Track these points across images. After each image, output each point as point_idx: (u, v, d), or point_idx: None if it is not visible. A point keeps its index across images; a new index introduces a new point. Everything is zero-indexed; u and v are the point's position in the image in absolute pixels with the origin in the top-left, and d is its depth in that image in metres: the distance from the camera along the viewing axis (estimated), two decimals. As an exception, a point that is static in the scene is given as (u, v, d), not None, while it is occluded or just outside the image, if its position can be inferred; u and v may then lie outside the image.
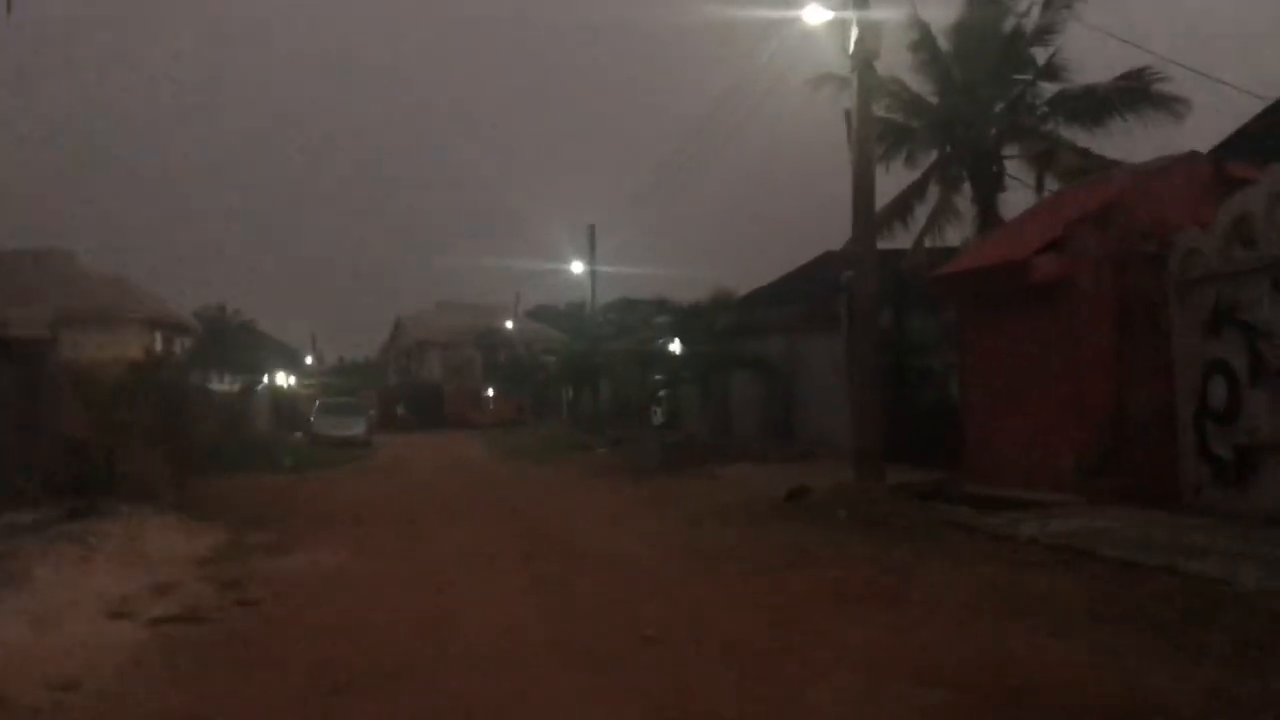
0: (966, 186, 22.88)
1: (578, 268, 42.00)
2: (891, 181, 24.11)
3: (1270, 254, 9.62)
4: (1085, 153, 21.06)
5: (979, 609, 7.35)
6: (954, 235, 23.68)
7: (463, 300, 68.66)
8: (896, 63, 23.28)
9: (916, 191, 24.00)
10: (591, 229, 40.15)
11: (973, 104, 22.39)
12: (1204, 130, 20.82)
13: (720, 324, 21.39)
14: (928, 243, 23.12)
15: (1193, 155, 12.32)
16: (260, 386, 45.43)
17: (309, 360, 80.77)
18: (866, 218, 14.45)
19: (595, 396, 40.70)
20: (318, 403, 42.96)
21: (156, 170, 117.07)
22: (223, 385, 41.07)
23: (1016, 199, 22.63)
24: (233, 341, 65.06)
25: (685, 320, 21.87)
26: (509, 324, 62.75)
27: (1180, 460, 11.02)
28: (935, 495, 13.11)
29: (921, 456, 15.05)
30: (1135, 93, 20.26)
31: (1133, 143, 20.99)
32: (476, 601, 8.50)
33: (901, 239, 24.26)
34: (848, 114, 22.91)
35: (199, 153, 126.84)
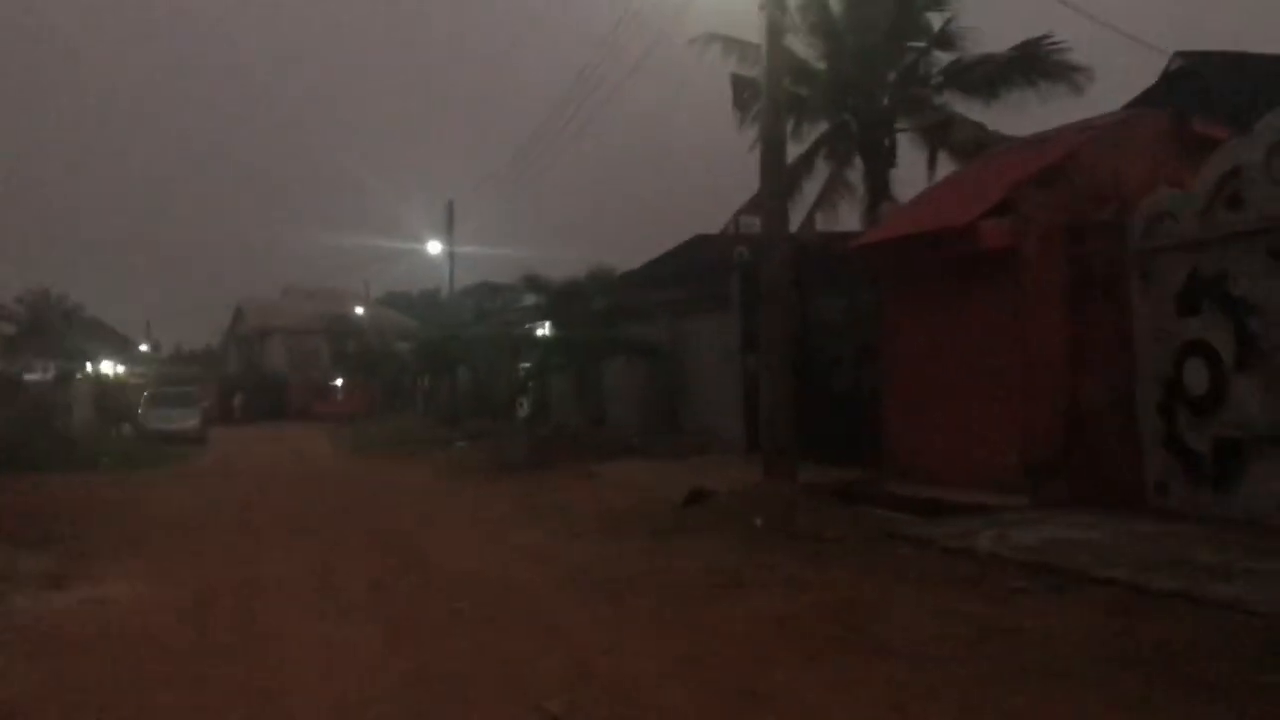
0: (858, 161, 21.64)
1: (435, 248, 39.30)
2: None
3: (1268, 214, 8.19)
4: (980, 127, 19.99)
5: (987, 665, 5.57)
6: (847, 213, 22.48)
7: (310, 286, 64.81)
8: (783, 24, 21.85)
9: (804, 166, 22.55)
10: (449, 205, 37.58)
11: (865, 72, 21.04)
12: (1104, 104, 19.89)
13: (598, 305, 19.39)
14: (820, 223, 21.78)
15: (1151, 109, 10.95)
16: (80, 375, 41.12)
17: (144, 348, 75.46)
18: (775, 183, 12.71)
19: (453, 387, 38.17)
20: (145, 393, 39.09)
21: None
22: (37, 375, 36.97)
23: (908, 176, 21.52)
24: (57, 327, 60.13)
25: (559, 300, 19.79)
26: (359, 310, 59.30)
27: (1144, 455, 9.59)
28: (856, 497, 11.44)
29: (832, 452, 13.42)
30: (1034, 62, 19.22)
31: (1028, 117, 20.08)
32: (313, 668, 6.25)
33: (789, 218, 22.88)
34: (735, 78, 21.47)
35: (32, 132, 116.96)
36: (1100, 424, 10.02)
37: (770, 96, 12.46)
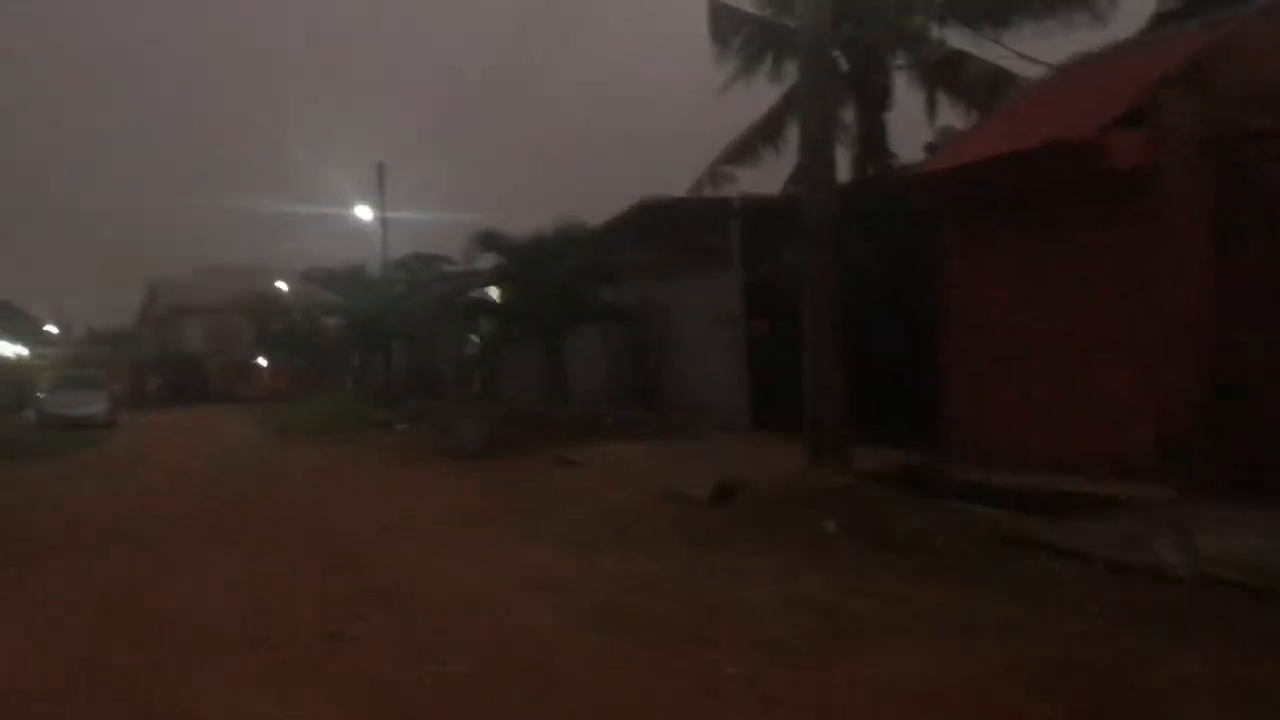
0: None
1: (365, 213, 36.20)
2: (749, 102, 20.31)
3: None
4: (993, 65, 17.82)
5: None
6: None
7: (228, 262, 60.99)
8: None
9: (789, 107, 20.21)
10: (380, 167, 34.52)
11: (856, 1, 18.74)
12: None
13: (567, 265, 16.80)
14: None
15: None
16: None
17: (51, 329, 70.94)
18: (819, 103, 10.30)
19: (388, 364, 35.28)
20: (48, 375, 35.58)
21: None
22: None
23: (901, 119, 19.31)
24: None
25: (525, 259, 17.14)
26: (281, 286, 55.70)
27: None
28: (929, 488, 9.12)
29: (877, 431, 11.06)
30: (1052, -15, 17.08)
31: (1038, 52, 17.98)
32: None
33: (770, 167, 20.53)
34: (714, 4, 19.01)
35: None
36: (1261, 391, 7.81)
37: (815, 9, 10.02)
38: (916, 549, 7.21)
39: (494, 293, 22.77)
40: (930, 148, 12.81)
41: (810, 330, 9.97)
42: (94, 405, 32.12)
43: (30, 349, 52.80)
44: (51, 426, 29.78)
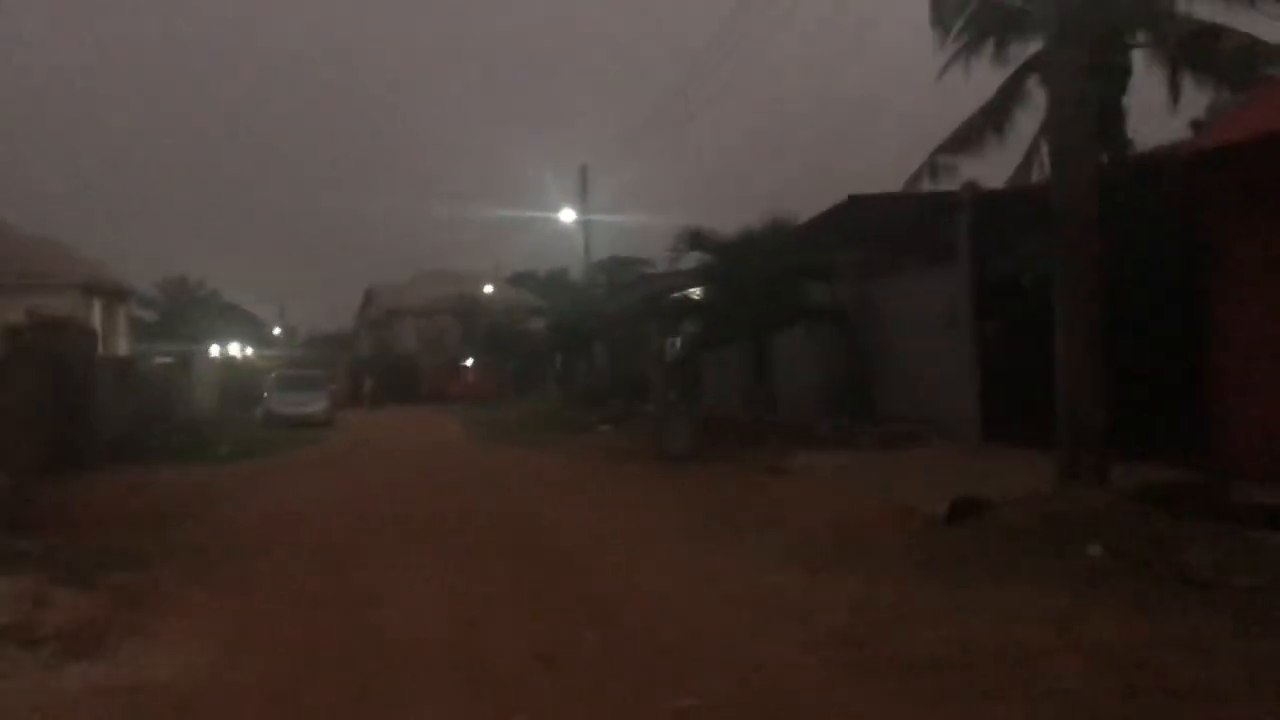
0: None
1: (568, 216, 36.51)
2: (967, 90, 18.97)
3: None
4: (1250, 38, 15.97)
5: None
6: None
7: (439, 267, 63.24)
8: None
9: (1012, 92, 18.79)
10: (583, 170, 34.72)
11: (1094, -28, 17.17)
12: None
13: (776, 263, 16.01)
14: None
15: None
16: (205, 359, 39.93)
17: (277, 332, 75.66)
18: (1072, 73, 9.23)
19: (590, 365, 35.45)
20: (272, 377, 37.52)
21: (114, 138, 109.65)
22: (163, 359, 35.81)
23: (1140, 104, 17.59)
24: (194, 313, 60.18)
25: (733, 257, 16.47)
26: (489, 289, 57.25)
27: None
28: (1211, 510, 7.88)
29: (1127, 441, 9.80)
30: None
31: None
32: None
33: (995, 157, 19.13)
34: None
35: (157, 118, 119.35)
36: None
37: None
38: (1216, 585, 6.13)
39: (697, 294, 22.23)
40: (1196, 125, 11.41)
41: (1064, 328, 8.89)
42: (315, 404, 33.57)
43: (257, 350, 56.13)
44: (275, 424, 31.30)
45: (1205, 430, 9.28)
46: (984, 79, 18.86)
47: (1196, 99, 17.05)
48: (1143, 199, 10.11)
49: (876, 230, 17.18)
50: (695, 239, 17.12)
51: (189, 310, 62.40)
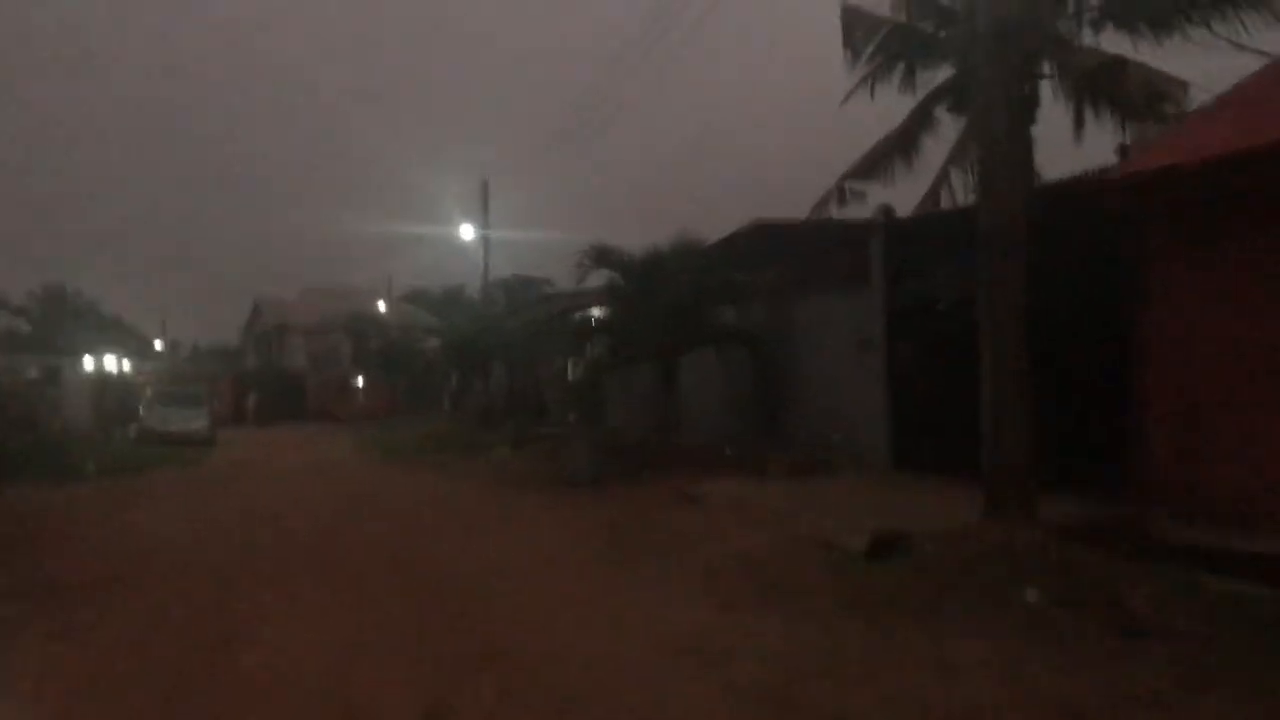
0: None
1: (468, 232, 35.60)
2: (869, 115, 18.90)
3: None
4: (1156, 72, 16.19)
5: None
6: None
7: (330, 283, 61.51)
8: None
9: (921, 119, 18.77)
10: (484, 185, 33.91)
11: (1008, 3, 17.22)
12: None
13: (684, 283, 15.52)
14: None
15: None
16: (77, 372, 37.72)
17: (159, 345, 72.57)
18: (1001, 90, 8.97)
19: (486, 386, 34.50)
20: (149, 392, 35.64)
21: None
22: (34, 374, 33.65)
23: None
24: (71, 325, 57.15)
25: (640, 276, 15.90)
26: (381, 306, 55.71)
27: None
28: (1137, 549, 7.60)
29: (1046, 469, 9.55)
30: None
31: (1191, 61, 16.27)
32: None
33: (903, 184, 19.05)
34: (846, 10, 17.72)
35: (48, 125, 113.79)
36: None
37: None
38: (1160, 634, 5.77)
39: (597, 313, 21.69)
40: (1123, 150, 11.32)
41: (990, 354, 8.56)
42: (194, 421, 31.94)
43: (137, 365, 53.56)
44: (151, 442, 29.59)
45: (1128, 461, 9.06)
46: (888, 105, 18.84)
47: (1095, 132, 17.25)
48: (1069, 225, 9.92)
49: (787, 253, 16.90)
50: (602, 256, 16.54)
51: (65, 321, 59.39)
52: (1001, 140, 8.93)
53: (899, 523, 8.90)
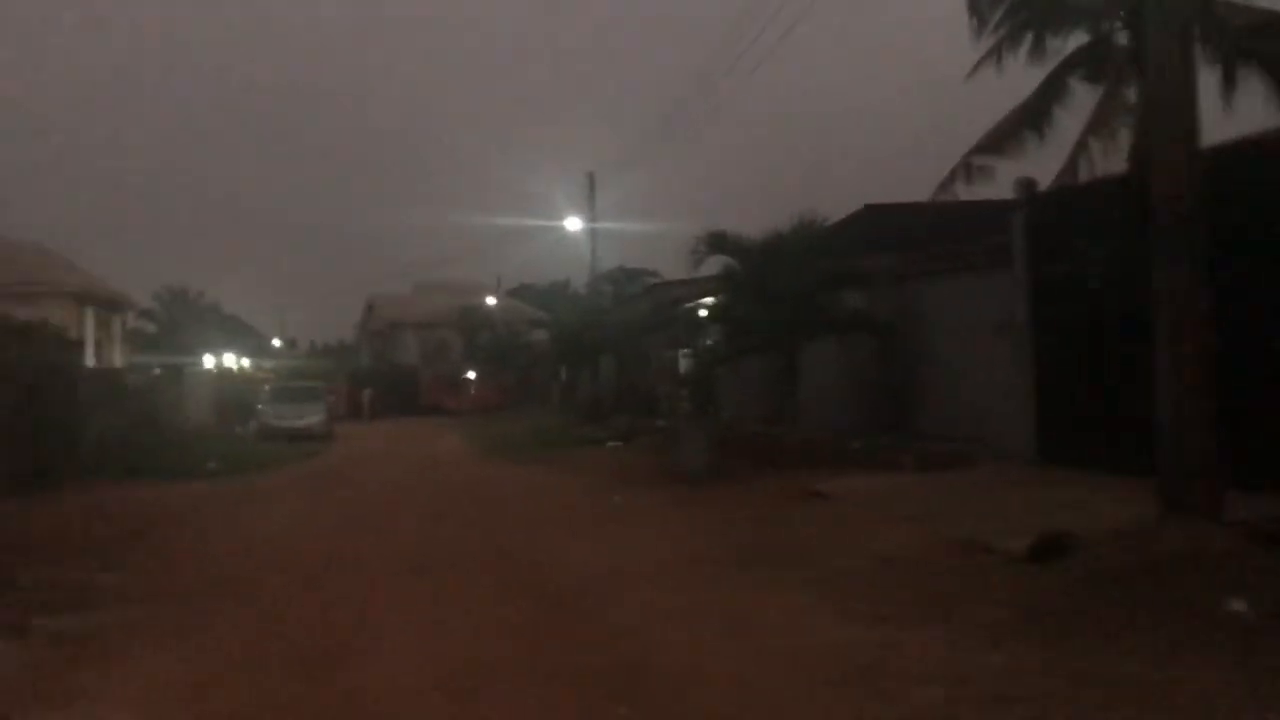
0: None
1: (574, 224, 35.32)
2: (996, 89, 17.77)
3: None
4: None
5: None
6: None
7: (440, 279, 62.10)
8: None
9: (1052, 90, 17.57)
10: (590, 177, 33.56)
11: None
12: None
13: (810, 269, 14.72)
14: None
15: None
16: (199, 371, 38.67)
17: (277, 343, 74.59)
18: (1172, 37, 8.03)
19: (595, 378, 34.17)
20: (267, 389, 36.24)
21: (118, 151, 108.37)
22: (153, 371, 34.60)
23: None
24: (193, 325, 59.11)
25: (760, 261, 15.16)
26: (490, 301, 56.00)
27: None
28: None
29: (1235, 468, 8.51)
30: None
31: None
32: None
33: (1034, 157, 17.87)
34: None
35: (152, 128, 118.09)
36: None
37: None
38: None
39: (710, 303, 21.00)
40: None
41: (1168, 338, 7.63)
42: (312, 416, 32.31)
43: (256, 363, 54.93)
44: (270, 438, 30.01)
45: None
46: (1012, 83, 17.72)
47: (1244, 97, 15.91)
48: (1245, 192, 8.88)
49: (914, 235, 15.97)
50: (718, 242, 15.84)
51: (188, 322, 61.39)
52: (1171, 93, 7.96)
53: (1057, 522, 8.05)
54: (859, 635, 6.19)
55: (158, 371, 33.10)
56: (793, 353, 15.97)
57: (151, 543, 10.95)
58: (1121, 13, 16.90)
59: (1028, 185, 12.48)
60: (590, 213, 34.04)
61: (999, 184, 17.48)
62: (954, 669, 5.33)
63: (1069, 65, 17.84)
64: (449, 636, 6.63)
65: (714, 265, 17.01)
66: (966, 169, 18.08)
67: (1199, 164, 7.88)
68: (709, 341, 19.06)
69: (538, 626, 6.84)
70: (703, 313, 19.15)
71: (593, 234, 34.16)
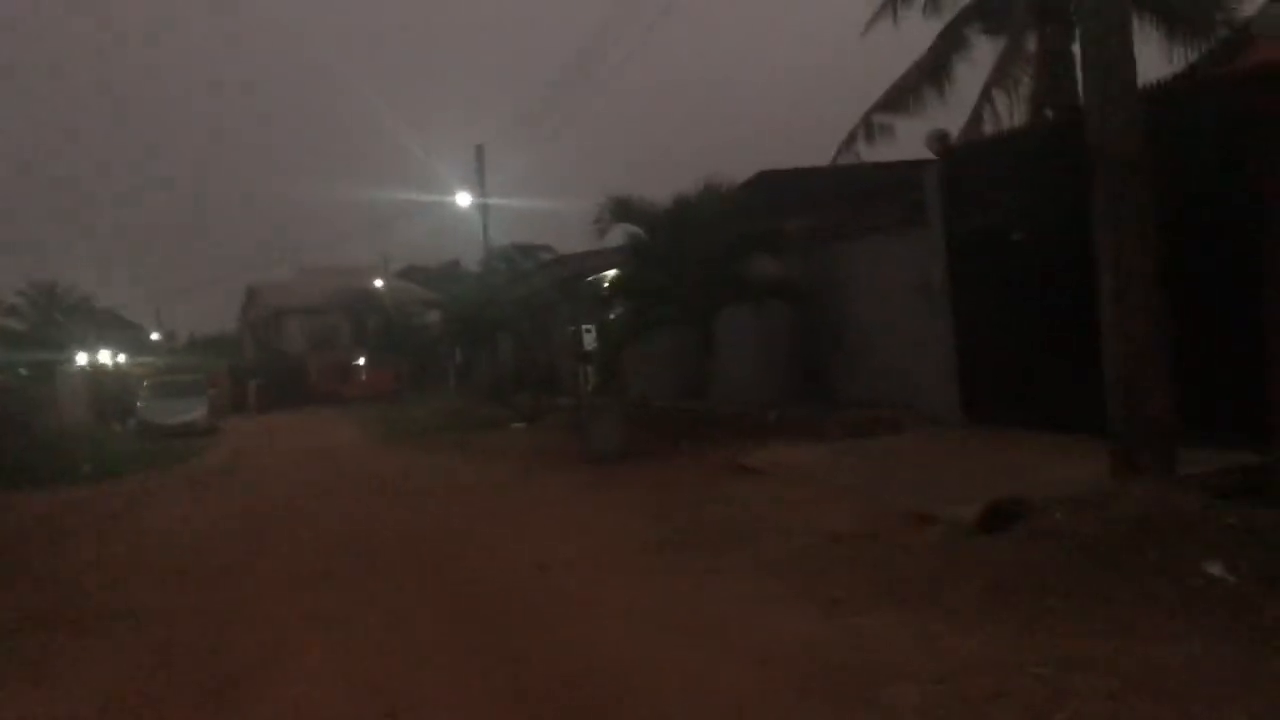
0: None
1: (464, 200, 34.19)
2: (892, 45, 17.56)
3: None
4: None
5: None
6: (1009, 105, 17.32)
7: (324, 263, 60.01)
8: None
9: (950, 44, 17.41)
10: (479, 151, 32.47)
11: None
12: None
13: (721, 234, 14.14)
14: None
15: None
16: (71, 369, 36.48)
17: (155, 337, 71.30)
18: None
19: (493, 359, 33.24)
20: (145, 384, 34.45)
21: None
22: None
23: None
24: (65, 321, 55.86)
25: (667, 228, 14.52)
26: (378, 284, 54.31)
27: None
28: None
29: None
30: None
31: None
32: None
33: (935, 111, 17.67)
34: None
35: (31, 115, 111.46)
36: None
37: None
38: None
39: (614, 274, 20.37)
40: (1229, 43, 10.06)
41: (1114, 287, 7.30)
42: (194, 411, 31.02)
43: (132, 357, 52.35)
44: (150, 435, 28.66)
45: (1262, 402, 7.84)
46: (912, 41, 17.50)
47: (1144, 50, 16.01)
48: (1175, 132, 8.62)
49: (813, 201, 15.61)
50: (622, 209, 15.17)
51: (59, 318, 58.14)
52: (1112, 38, 7.59)
53: (999, 488, 7.69)
54: (818, 625, 5.69)
55: (24, 371, 30.99)
56: (707, 322, 15.45)
57: (19, 557, 9.90)
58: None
59: (941, 137, 12.17)
60: (481, 188, 32.97)
61: (900, 145, 17.35)
62: (932, 662, 4.85)
63: (965, 17, 17.76)
64: (368, 655, 5.92)
65: (618, 237, 16.37)
66: (867, 127, 17.84)
67: (1136, 101, 7.54)
68: (613, 315, 18.39)
69: (468, 637, 6.17)
70: (607, 285, 18.48)
71: (484, 209, 33.11)
